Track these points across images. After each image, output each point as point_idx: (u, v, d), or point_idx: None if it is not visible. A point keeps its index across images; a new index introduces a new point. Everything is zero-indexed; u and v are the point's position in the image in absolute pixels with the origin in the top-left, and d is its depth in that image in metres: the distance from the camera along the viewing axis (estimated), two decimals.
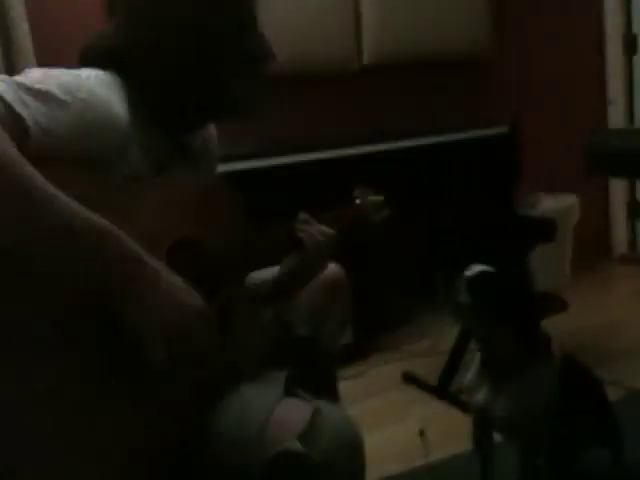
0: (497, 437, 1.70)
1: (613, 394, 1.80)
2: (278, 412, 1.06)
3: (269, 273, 1.38)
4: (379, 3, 3.03)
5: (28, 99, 0.94)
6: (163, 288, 0.97)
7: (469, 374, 1.66)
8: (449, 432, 2.14)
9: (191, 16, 1.14)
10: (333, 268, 1.49)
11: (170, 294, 0.98)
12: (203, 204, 1.19)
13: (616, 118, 3.85)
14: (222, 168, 2.07)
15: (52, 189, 0.90)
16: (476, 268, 1.57)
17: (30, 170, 0.89)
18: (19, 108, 0.93)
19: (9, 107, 0.92)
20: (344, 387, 1.65)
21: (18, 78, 0.98)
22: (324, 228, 1.33)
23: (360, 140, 2.82)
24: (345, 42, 2.97)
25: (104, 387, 0.98)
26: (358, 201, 1.53)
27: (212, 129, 1.37)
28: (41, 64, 1.06)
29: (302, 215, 1.34)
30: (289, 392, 1.12)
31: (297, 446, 1.00)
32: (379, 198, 1.54)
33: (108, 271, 0.93)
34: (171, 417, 1.04)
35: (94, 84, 1.06)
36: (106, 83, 1.08)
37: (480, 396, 1.60)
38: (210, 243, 1.15)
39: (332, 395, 1.48)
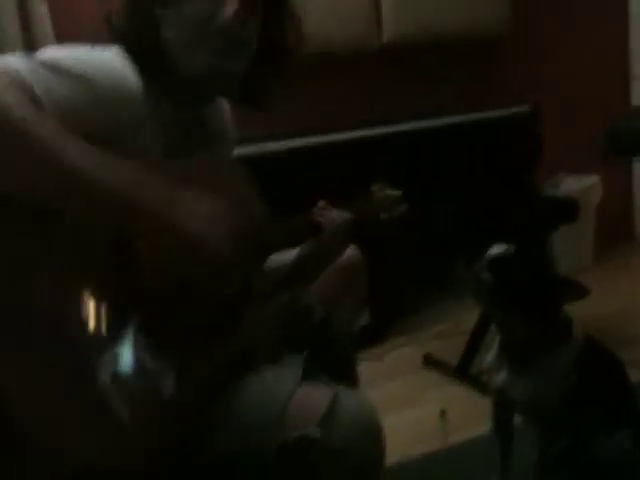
0: (517, 420, 1.69)
1: (635, 376, 1.78)
2: (297, 397, 1.06)
3: (287, 257, 1.38)
4: None
5: (43, 73, 0.95)
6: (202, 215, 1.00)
7: (489, 356, 1.65)
8: (469, 414, 2.14)
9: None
10: (350, 251, 1.49)
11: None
12: (219, 187, 1.18)
13: None
14: (238, 151, 2.08)
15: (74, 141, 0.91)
16: (499, 248, 1.56)
17: (53, 126, 0.90)
18: (35, 83, 0.93)
19: (24, 81, 0.92)
20: (363, 369, 1.65)
21: (36, 55, 0.99)
22: (342, 213, 1.33)
23: (380, 121, 2.80)
24: (364, 21, 2.94)
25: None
26: (376, 196, 1.53)
27: (227, 112, 1.36)
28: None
29: (321, 203, 1.35)
30: (308, 376, 1.12)
31: (316, 432, 1.00)
32: (397, 193, 1.54)
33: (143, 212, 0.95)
34: (188, 396, 1.04)
35: (108, 58, 1.06)
36: (120, 58, 1.08)
37: (500, 379, 1.60)
38: (227, 224, 1.14)
39: (351, 379, 1.48)
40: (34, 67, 0.95)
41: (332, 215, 1.32)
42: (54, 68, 0.97)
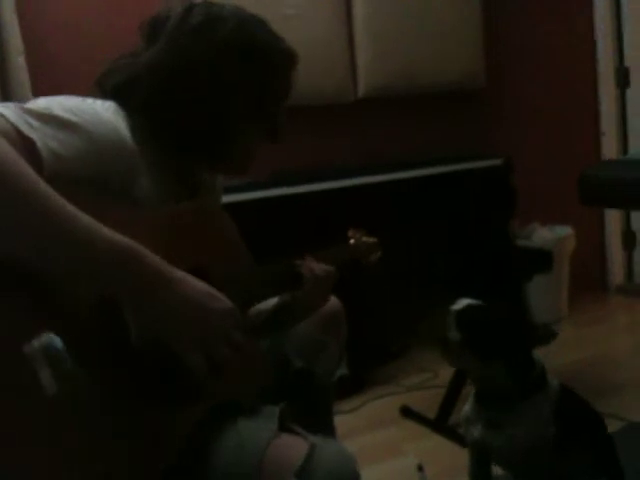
0: (495, 471, 1.67)
1: (611, 426, 1.77)
2: (274, 448, 1.04)
3: (266, 305, 1.37)
4: (373, 40, 3.06)
5: (35, 123, 0.94)
6: (188, 298, 0.97)
7: (465, 408, 1.64)
8: (448, 467, 2.11)
9: (226, 79, 1.16)
10: (331, 301, 1.48)
11: (196, 302, 0.98)
12: (204, 233, 1.18)
13: (610, 149, 3.88)
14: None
15: (71, 208, 0.89)
16: (463, 302, 1.57)
17: (47, 189, 0.87)
18: (28, 131, 0.92)
19: (19, 132, 0.91)
20: (341, 421, 1.63)
21: (24, 105, 0.98)
22: (324, 265, 1.33)
23: (355, 172, 2.83)
24: (340, 76, 3.00)
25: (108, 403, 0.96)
26: (352, 241, 1.54)
27: None
28: (37, 96, 1.06)
29: (304, 253, 1.35)
30: (284, 427, 1.10)
31: None
32: (373, 239, 1.55)
33: (131, 286, 0.93)
34: (168, 449, 1.02)
35: (100, 108, 1.06)
36: (112, 109, 1.09)
37: (476, 430, 1.58)
38: (214, 273, 1.14)
39: (328, 430, 1.46)
40: (25, 117, 0.94)
41: (314, 267, 1.32)
42: (45, 117, 0.96)
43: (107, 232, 0.91)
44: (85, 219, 0.89)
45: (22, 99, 2.26)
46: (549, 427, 1.52)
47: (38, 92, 2.34)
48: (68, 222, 0.88)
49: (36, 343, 0.87)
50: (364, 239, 1.56)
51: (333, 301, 1.48)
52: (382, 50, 3.07)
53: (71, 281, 0.92)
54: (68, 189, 0.92)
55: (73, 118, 0.99)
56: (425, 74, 3.18)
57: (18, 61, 2.34)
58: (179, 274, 0.98)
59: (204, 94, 1.15)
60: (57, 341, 0.89)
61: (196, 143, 1.20)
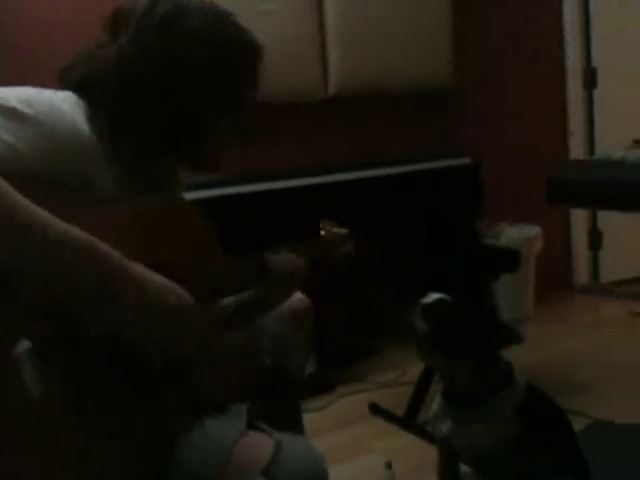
0: (463, 468, 1.68)
1: (576, 424, 1.79)
2: (240, 446, 1.04)
3: (231, 299, 1.36)
4: (344, 38, 3.06)
5: None
6: (152, 293, 0.96)
7: (433, 405, 1.65)
8: (416, 464, 2.12)
9: (193, 73, 1.14)
10: (298, 297, 1.48)
11: (159, 297, 0.96)
12: (171, 228, 1.17)
13: (577, 150, 3.93)
14: (191, 195, 2.06)
15: (32, 206, 0.87)
16: (433, 296, 1.57)
17: (7, 188, 0.85)
18: None
19: None
20: (310, 419, 1.63)
21: None
22: (293, 257, 1.33)
23: (324, 170, 2.83)
24: (311, 74, 3.00)
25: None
26: (323, 233, 1.53)
27: None
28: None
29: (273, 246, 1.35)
30: (251, 425, 1.10)
31: None
32: (344, 231, 1.54)
33: (96, 284, 0.90)
34: (150, 448, 1.01)
35: (57, 99, 1.04)
36: (70, 101, 1.06)
37: (444, 427, 1.59)
38: (178, 268, 1.13)
39: (296, 427, 1.46)
40: None
41: (282, 259, 1.31)
42: (4, 110, 0.94)
43: (62, 225, 0.89)
44: (40, 215, 0.87)
45: None
46: (513, 425, 1.54)
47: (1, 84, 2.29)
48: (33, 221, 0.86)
49: (22, 345, 0.87)
50: (335, 230, 1.55)
51: (300, 297, 1.48)
52: (353, 49, 3.07)
53: (44, 281, 0.90)
54: (24, 185, 0.89)
55: (29, 111, 0.96)
56: (395, 73, 3.19)
57: None
58: (138, 269, 0.96)
59: (171, 89, 1.13)
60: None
61: (164, 139, 1.18)
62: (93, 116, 1.08)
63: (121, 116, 1.12)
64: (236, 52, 1.18)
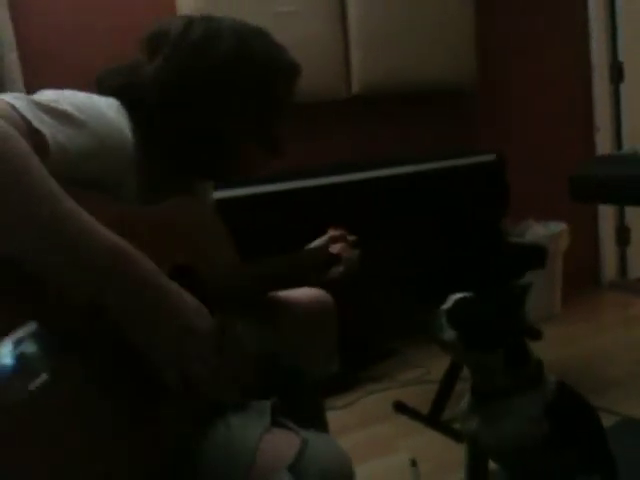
0: (491, 466, 1.67)
1: (605, 421, 1.78)
2: (266, 443, 1.04)
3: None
4: (367, 38, 3.05)
5: (45, 117, 0.94)
6: (173, 309, 0.95)
7: (462, 402, 1.64)
8: (441, 462, 2.12)
9: (228, 92, 1.16)
10: (321, 295, 1.48)
11: (181, 315, 0.96)
12: (194, 231, 1.18)
13: (604, 145, 3.88)
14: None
15: (72, 204, 0.88)
16: (452, 298, 1.57)
17: (51, 184, 0.87)
18: (37, 123, 0.92)
19: (29, 123, 0.91)
20: (334, 417, 1.63)
21: (34, 97, 0.98)
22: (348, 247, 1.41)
23: (348, 169, 2.83)
24: (334, 73, 3.00)
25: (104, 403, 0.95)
26: (332, 248, 1.53)
27: None
28: (29, 93, 1.05)
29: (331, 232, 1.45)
30: (276, 422, 1.10)
31: (287, 478, 0.98)
32: (352, 238, 1.55)
33: (123, 290, 0.91)
34: (156, 448, 1.02)
35: (105, 106, 1.06)
36: (115, 108, 1.09)
37: (473, 425, 1.59)
38: (203, 270, 1.14)
39: (320, 426, 1.46)
40: (35, 110, 0.94)
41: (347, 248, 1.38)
42: (54, 111, 0.96)
43: (103, 232, 0.90)
44: (84, 217, 0.89)
45: None
46: (543, 423, 1.53)
47: (30, 89, 2.33)
48: (69, 221, 0.87)
49: (29, 327, 0.87)
50: (345, 255, 1.54)
51: (324, 296, 1.48)
52: (376, 48, 3.07)
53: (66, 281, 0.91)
54: (69, 185, 0.91)
55: (80, 115, 0.99)
56: (418, 72, 3.18)
57: (11, 57, 2.33)
58: (172, 286, 0.96)
59: (204, 112, 1.16)
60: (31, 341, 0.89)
61: (196, 159, 1.21)
62: (133, 125, 1.10)
63: (156, 135, 1.15)
64: (269, 73, 1.20)
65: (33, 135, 0.91)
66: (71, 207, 0.88)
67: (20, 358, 0.89)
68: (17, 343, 0.89)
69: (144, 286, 0.92)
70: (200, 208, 1.29)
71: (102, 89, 1.16)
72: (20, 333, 0.89)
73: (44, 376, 0.89)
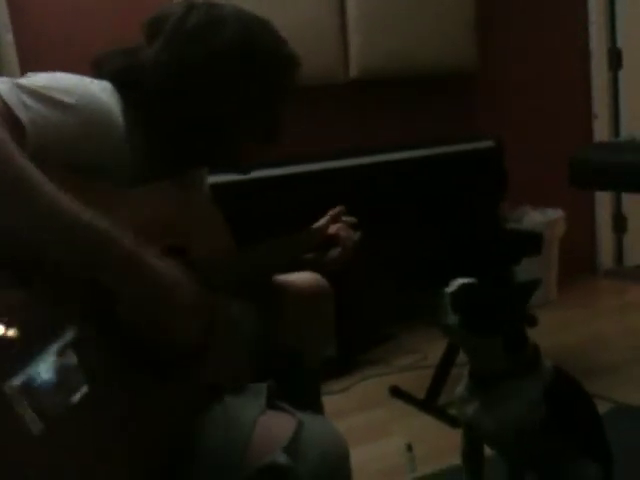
0: (487, 451, 1.68)
1: (600, 407, 1.78)
2: (262, 424, 1.04)
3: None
4: (365, 21, 3.03)
5: (29, 101, 0.95)
6: (163, 285, 0.97)
7: (459, 387, 1.65)
8: (436, 447, 2.13)
9: (228, 81, 1.16)
10: (318, 280, 1.48)
11: (171, 290, 0.98)
12: (191, 222, 1.18)
13: (602, 132, 3.87)
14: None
15: (54, 190, 0.88)
16: (456, 283, 1.57)
17: (30, 169, 0.87)
18: (17, 110, 0.92)
19: (9, 110, 0.92)
20: (330, 402, 1.63)
21: (21, 80, 0.99)
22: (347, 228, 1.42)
23: (346, 153, 2.82)
24: (332, 57, 2.98)
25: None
26: (333, 231, 1.53)
27: None
28: (25, 74, 1.05)
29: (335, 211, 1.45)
30: (272, 404, 1.10)
31: (282, 459, 0.98)
32: (352, 219, 1.54)
33: (109, 271, 0.92)
34: (154, 430, 1.02)
35: (97, 89, 1.06)
36: (108, 90, 1.09)
37: (470, 410, 1.59)
38: (195, 251, 1.14)
39: (316, 409, 1.46)
40: (20, 95, 0.94)
41: (347, 230, 1.39)
42: (40, 96, 0.96)
43: (85, 215, 0.90)
44: (64, 201, 0.89)
45: (10, 76, 2.24)
46: (539, 408, 1.53)
47: (26, 70, 2.31)
48: (50, 206, 0.88)
49: (15, 382, 0.85)
50: (344, 219, 1.55)
51: (320, 281, 1.48)
52: (374, 31, 3.05)
53: (60, 265, 0.92)
54: (52, 169, 0.91)
55: (69, 100, 0.99)
56: (417, 56, 3.16)
57: (6, 38, 2.31)
58: (152, 260, 0.97)
59: (203, 98, 1.15)
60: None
61: (193, 145, 1.20)
62: (127, 109, 1.10)
63: (154, 116, 1.15)
64: (271, 64, 1.19)
65: (14, 123, 0.91)
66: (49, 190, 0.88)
67: (62, 371, 0.89)
68: (59, 354, 0.89)
69: (128, 262, 0.93)
70: (197, 197, 1.29)
71: (100, 72, 1.16)
72: (61, 342, 0.89)
73: (84, 389, 0.91)
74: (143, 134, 1.13)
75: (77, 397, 0.89)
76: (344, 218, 1.54)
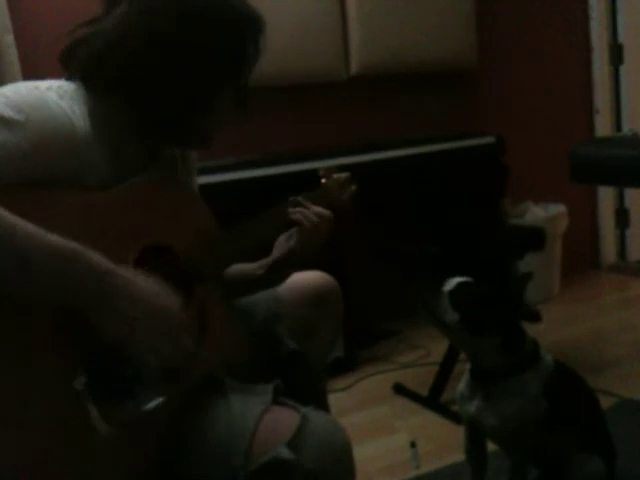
0: (490, 447, 1.68)
1: (603, 402, 1.78)
2: (266, 420, 1.04)
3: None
4: (366, 18, 3.03)
5: None
6: (138, 297, 0.95)
7: (460, 385, 1.65)
8: (440, 443, 2.13)
9: (194, 47, 1.13)
10: (325, 280, 1.47)
11: (147, 302, 0.96)
12: (174, 208, 1.18)
13: (603, 128, 3.87)
14: (210, 179, 2.06)
15: (10, 218, 0.86)
16: (454, 281, 1.57)
17: None
18: None
19: None
20: (334, 399, 1.63)
21: None
22: (320, 209, 1.33)
23: (347, 151, 2.82)
24: (333, 54, 2.98)
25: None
26: (324, 181, 1.50)
27: None
28: (26, 75, 1.04)
29: (293, 198, 1.35)
30: (277, 401, 1.10)
31: (286, 453, 0.98)
32: (345, 174, 1.51)
33: (79, 290, 0.91)
34: (155, 429, 1.03)
35: (53, 97, 1.03)
36: (69, 94, 1.06)
37: (471, 406, 1.59)
38: (180, 245, 1.13)
39: (321, 408, 1.46)
40: None
41: (308, 212, 1.31)
42: None
43: (48, 240, 0.89)
44: (22, 228, 0.87)
45: (11, 77, 2.24)
46: (540, 403, 1.53)
47: (27, 70, 2.32)
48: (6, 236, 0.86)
49: (82, 379, 0.88)
50: (336, 176, 1.51)
51: (328, 280, 1.47)
52: (375, 28, 3.05)
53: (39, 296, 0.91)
54: (11, 191, 0.92)
55: (20, 117, 0.96)
56: (418, 52, 3.16)
57: (7, 39, 2.31)
58: (126, 276, 0.96)
59: (171, 65, 1.12)
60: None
61: (166, 116, 1.17)
62: (93, 104, 1.08)
63: (126, 98, 1.12)
64: (238, 26, 1.16)
65: None
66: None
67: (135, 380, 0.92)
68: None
69: (98, 279, 0.92)
70: (173, 182, 1.26)
71: (68, 72, 1.14)
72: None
73: (159, 399, 0.95)
74: (113, 125, 1.10)
75: (151, 406, 0.93)
76: (335, 176, 1.51)
